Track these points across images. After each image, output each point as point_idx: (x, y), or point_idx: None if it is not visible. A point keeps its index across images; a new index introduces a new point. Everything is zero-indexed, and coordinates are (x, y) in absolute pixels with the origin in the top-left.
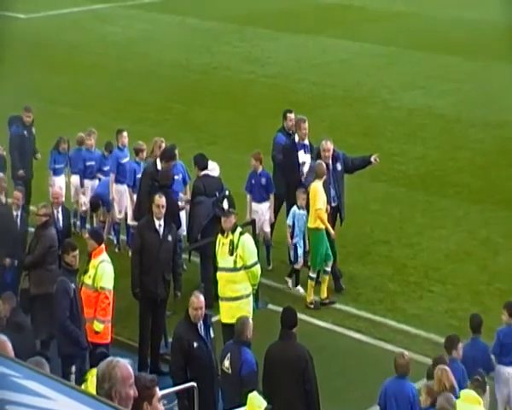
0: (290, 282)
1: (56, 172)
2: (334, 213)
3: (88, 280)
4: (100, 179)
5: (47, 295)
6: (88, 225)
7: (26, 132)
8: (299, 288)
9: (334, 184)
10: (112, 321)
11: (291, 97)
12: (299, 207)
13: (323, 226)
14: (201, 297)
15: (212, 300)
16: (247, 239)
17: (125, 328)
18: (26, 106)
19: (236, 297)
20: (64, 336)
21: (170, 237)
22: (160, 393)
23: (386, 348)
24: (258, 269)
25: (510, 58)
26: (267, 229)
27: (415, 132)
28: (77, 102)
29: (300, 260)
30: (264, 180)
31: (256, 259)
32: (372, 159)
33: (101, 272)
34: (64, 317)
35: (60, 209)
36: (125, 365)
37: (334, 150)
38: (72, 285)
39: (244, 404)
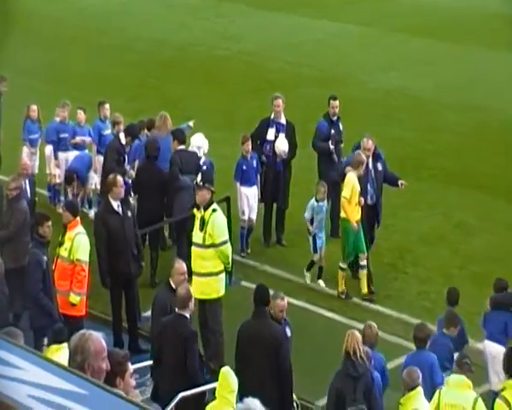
0: (309, 276)
1: (32, 143)
2: (370, 214)
3: (64, 252)
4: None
5: (23, 268)
6: (62, 198)
7: None
8: (321, 282)
9: (373, 183)
10: (86, 294)
11: (267, 76)
12: (317, 200)
13: (357, 219)
14: (183, 263)
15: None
16: (218, 217)
17: (98, 301)
18: (1, 76)
19: (206, 273)
20: (37, 309)
21: (129, 213)
22: (132, 368)
23: (358, 327)
24: (227, 248)
25: (488, 41)
26: (254, 216)
27: (391, 114)
28: (53, 76)
29: (320, 251)
30: (255, 162)
31: (226, 237)
32: (399, 183)
33: (78, 244)
34: (37, 289)
35: (27, 181)
36: (98, 338)
37: (375, 149)
38: (45, 258)
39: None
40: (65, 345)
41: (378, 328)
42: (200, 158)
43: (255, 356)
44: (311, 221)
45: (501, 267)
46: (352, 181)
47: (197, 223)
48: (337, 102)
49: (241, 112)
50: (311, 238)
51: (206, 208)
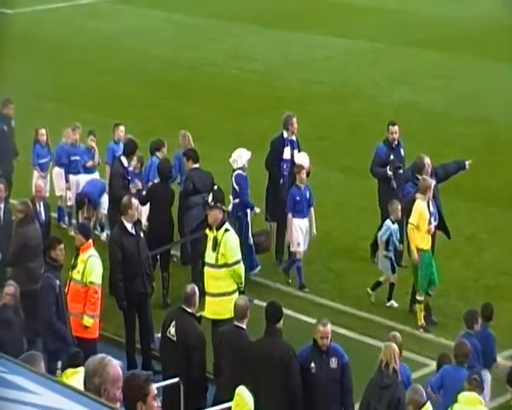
0: (373, 295)
1: (42, 168)
2: (434, 234)
3: (77, 275)
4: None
5: (26, 293)
6: (74, 221)
7: (6, 127)
8: (393, 302)
9: (434, 201)
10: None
11: (278, 93)
12: (393, 221)
13: (427, 247)
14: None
15: (200, 295)
16: (231, 237)
17: (111, 324)
18: (5, 98)
19: (219, 294)
20: (50, 333)
21: (141, 233)
22: (155, 390)
23: (370, 342)
24: (240, 267)
25: (497, 55)
26: (302, 248)
27: (402, 129)
28: (63, 98)
29: (393, 273)
30: (308, 194)
31: (239, 257)
32: (467, 164)
33: (91, 266)
34: (50, 313)
35: (41, 203)
36: (116, 365)
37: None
38: (57, 281)
39: (187, 372)
40: (81, 369)
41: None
42: (212, 178)
43: (267, 374)
44: (387, 243)
45: None
46: (420, 208)
47: (209, 243)
48: (396, 128)
49: (252, 131)
50: (386, 261)
51: (218, 228)
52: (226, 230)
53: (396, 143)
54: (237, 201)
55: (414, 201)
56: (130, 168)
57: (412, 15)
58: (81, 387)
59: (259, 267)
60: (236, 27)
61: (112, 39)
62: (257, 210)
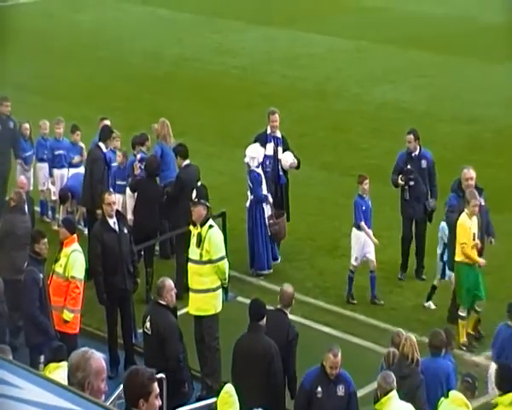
0: (432, 304)
1: (26, 162)
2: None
3: (59, 269)
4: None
5: (8, 282)
6: (57, 216)
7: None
8: (431, 303)
9: (483, 216)
10: (81, 311)
11: (261, 89)
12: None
13: (470, 261)
14: (169, 279)
15: (183, 291)
16: (214, 233)
17: (93, 318)
18: (2, 96)
19: (202, 290)
20: (33, 327)
21: (125, 230)
22: (157, 388)
23: (354, 341)
24: (224, 263)
25: (480, 54)
26: (373, 256)
27: (384, 127)
28: (46, 91)
29: (442, 278)
30: (370, 202)
31: (223, 253)
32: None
33: (73, 261)
34: (34, 307)
35: (25, 198)
36: (99, 358)
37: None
38: (41, 275)
39: (163, 365)
40: (63, 363)
41: (375, 342)
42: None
43: (249, 371)
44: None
45: (494, 277)
46: (464, 223)
47: (194, 239)
48: (411, 136)
49: (236, 127)
50: (441, 263)
51: (202, 225)
52: (210, 226)
53: (417, 153)
54: (252, 197)
55: (459, 214)
56: (115, 164)
57: (396, 13)
58: (64, 381)
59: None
60: (220, 23)
61: (95, 32)
62: (270, 200)
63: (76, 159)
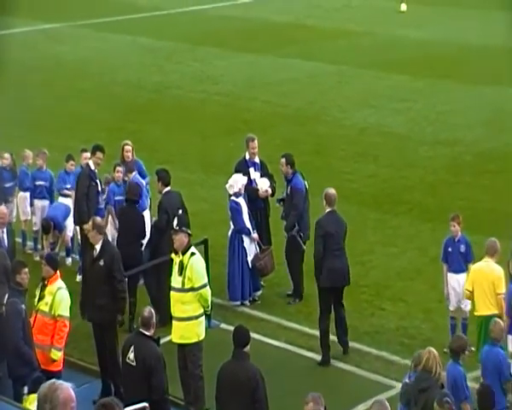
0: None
1: (7, 192)
2: None
3: (44, 307)
4: (63, 195)
5: None
6: (39, 246)
7: None
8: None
9: None
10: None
11: (244, 116)
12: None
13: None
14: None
15: (167, 319)
16: (196, 261)
17: (76, 348)
18: None
19: (185, 318)
20: (17, 358)
21: (102, 262)
22: None
23: (337, 366)
24: (206, 291)
25: (460, 77)
26: (467, 307)
27: (366, 151)
28: (28, 122)
29: None
30: (463, 247)
31: (205, 281)
32: None
33: (59, 299)
34: (18, 338)
35: (5, 230)
36: (67, 388)
37: None
38: (23, 306)
39: (148, 396)
40: None
41: (357, 366)
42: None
43: (234, 398)
44: None
45: None
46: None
47: (175, 268)
48: (283, 160)
49: (218, 154)
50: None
51: (184, 252)
52: (192, 253)
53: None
54: (233, 226)
55: None
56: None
57: (377, 38)
58: None
59: (261, 291)
60: (201, 50)
61: (76, 63)
62: (254, 236)
63: (67, 191)
